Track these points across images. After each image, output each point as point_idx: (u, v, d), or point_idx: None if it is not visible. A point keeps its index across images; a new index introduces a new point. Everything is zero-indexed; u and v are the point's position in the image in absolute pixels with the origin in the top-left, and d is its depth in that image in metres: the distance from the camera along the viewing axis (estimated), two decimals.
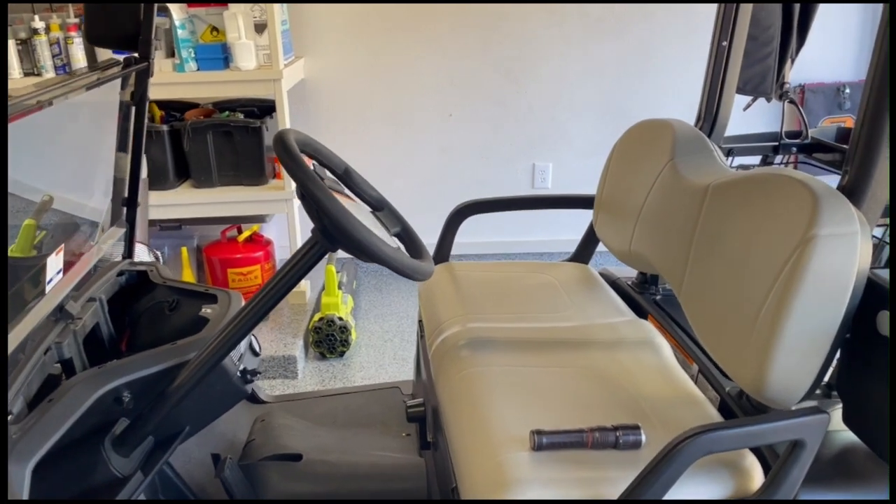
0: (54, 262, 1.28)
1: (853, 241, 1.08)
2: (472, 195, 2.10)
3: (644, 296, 1.85)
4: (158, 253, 2.64)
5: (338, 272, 2.98)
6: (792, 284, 1.09)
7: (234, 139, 2.85)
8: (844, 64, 3.47)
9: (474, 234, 3.37)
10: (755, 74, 2.11)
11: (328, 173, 1.29)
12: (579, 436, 1.18)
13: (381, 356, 2.88)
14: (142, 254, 1.92)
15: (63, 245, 1.32)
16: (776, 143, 2.34)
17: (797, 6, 2.02)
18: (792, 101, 2.17)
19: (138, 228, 1.71)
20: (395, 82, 3.40)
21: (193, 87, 2.84)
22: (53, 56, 2.76)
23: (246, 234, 3.05)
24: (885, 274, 1.13)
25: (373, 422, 1.88)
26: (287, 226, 2.97)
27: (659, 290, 1.87)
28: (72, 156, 1.62)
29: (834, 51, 3.43)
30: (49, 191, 1.47)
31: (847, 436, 1.25)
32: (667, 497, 1.06)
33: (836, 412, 1.23)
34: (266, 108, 3.02)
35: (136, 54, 1.49)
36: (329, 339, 2.80)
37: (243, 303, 1.37)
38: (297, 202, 2.91)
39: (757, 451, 1.21)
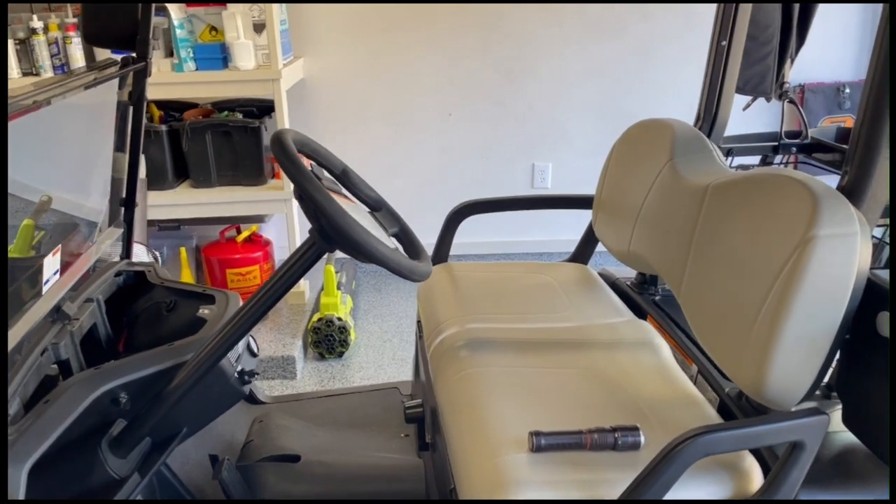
0: (51, 262, 1.28)
1: (853, 241, 1.08)
2: (472, 195, 2.10)
3: (643, 296, 1.85)
4: (157, 253, 2.64)
5: (337, 272, 2.98)
6: (791, 285, 1.09)
7: (233, 139, 2.85)
8: (844, 63, 3.47)
9: (474, 235, 3.37)
10: (755, 74, 2.11)
11: (326, 174, 1.29)
12: (578, 437, 1.18)
13: (381, 356, 2.87)
14: (140, 254, 1.92)
15: (60, 246, 1.31)
16: (776, 143, 2.33)
17: (797, 6, 2.02)
18: (791, 101, 2.17)
19: (136, 229, 1.71)
20: (395, 82, 3.40)
21: (192, 86, 2.83)
22: (52, 56, 2.76)
23: (245, 234, 3.05)
24: (884, 274, 1.12)
25: (371, 422, 1.88)
26: (286, 226, 2.97)
27: (658, 291, 1.87)
28: (71, 156, 1.62)
29: (834, 50, 3.42)
30: (48, 191, 1.47)
31: (847, 437, 1.24)
32: (665, 499, 1.06)
33: (836, 413, 1.22)
34: (265, 108, 3.01)
35: (133, 54, 1.48)
36: (328, 340, 2.80)
37: (241, 303, 1.36)
38: (296, 202, 2.91)
39: (756, 453, 1.21)
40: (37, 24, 2.70)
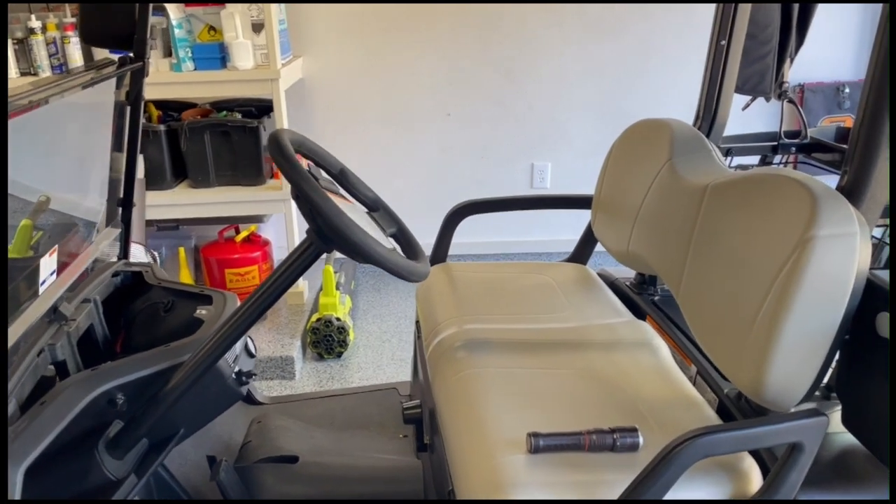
0: (48, 263, 1.27)
1: (852, 241, 1.08)
2: (471, 195, 2.09)
3: (642, 296, 1.84)
4: (156, 253, 2.64)
5: (336, 272, 2.97)
6: (790, 285, 1.08)
7: (232, 139, 2.84)
8: (844, 63, 3.46)
9: (473, 235, 3.37)
10: (754, 73, 2.11)
11: (323, 174, 1.29)
12: (576, 438, 1.18)
13: (379, 357, 2.87)
14: (139, 254, 1.92)
15: (56, 246, 1.31)
16: (775, 143, 2.33)
17: (796, 5, 2.01)
18: (791, 101, 2.17)
19: (135, 229, 1.71)
20: (394, 82, 3.39)
21: (191, 86, 2.83)
22: (50, 56, 2.75)
23: (243, 234, 3.05)
24: (884, 275, 1.12)
25: (370, 423, 1.87)
26: (285, 226, 2.97)
27: (657, 291, 1.86)
28: (70, 155, 1.61)
29: (833, 50, 3.42)
30: (46, 191, 1.46)
31: (846, 438, 1.24)
32: (664, 499, 1.05)
33: (835, 414, 1.22)
34: (264, 108, 3.01)
35: (131, 54, 1.48)
36: (327, 340, 2.80)
37: (238, 304, 1.36)
38: (294, 202, 2.90)
39: (755, 454, 1.20)
40: (35, 23, 2.69)
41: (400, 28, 3.29)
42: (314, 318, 2.81)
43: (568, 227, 3.13)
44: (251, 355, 1.52)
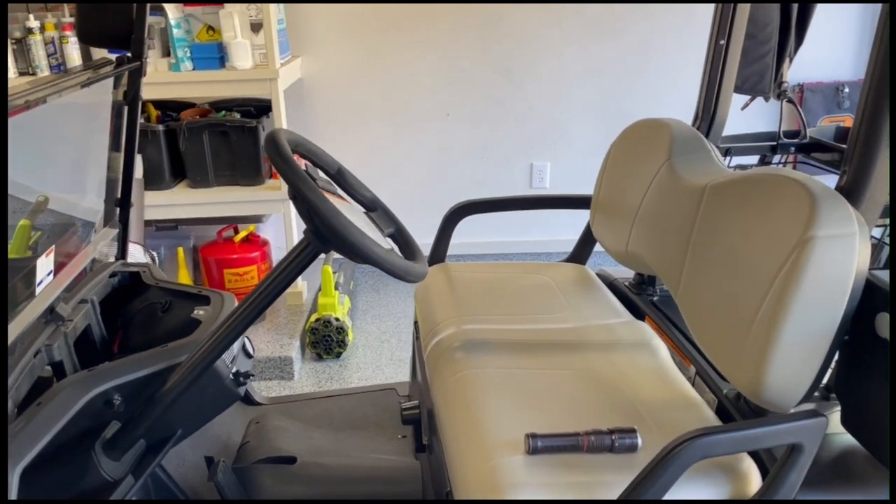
0: (44, 263, 1.27)
1: (851, 242, 1.07)
2: (470, 195, 2.09)
3: (641, 297, 1.84)
4: (154, 254, 2.63)
5: (335, 272, 2.97)
6: (789, 286, 1.08)
7: (231, 139, 2.84)
8: (843, 63, 3.46)
9: (472, 235, 3.36)
10: (753, 73, 2.10)
11: (321, 174, 1.28)
12: (575, 439, 1.17)
13: (378, 357, 2.86)
14: (137, 254, 1.91)
15: (53, 247, 1.30)
16: (774, 143, 2.33)
17: (795, 5, 2.01)
18: (790, 101, 2.16)
19: (133, 229, 1.70)
20: (393, 82, 3.39)
21: (189, 86, 2.82)
22: (48, 55, 2.75)
23: (242, 234, 3.04)
24: (883, 275, 1.11)
25: (368, 424, 1.87)
26: (283, 226, 2.96)
27: (656, 292, 1.86)
28: (68, 155, 1.61)
29: (833, 50, 3.42)
30: (44, 191, 1.46)
31: (845, 439, 1.23)
32: (664, 499, 1.05)
33: (835, 415, 1.22)
34: (262, 108, 3.01)
35: (128, 53, 1.48)
36: (325, 340, 2.79)
37: (236, 304, 1.36)
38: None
39: (755, 455, 1.20)
40: (33, 23, 2.69)
41: (399, 28, 3.29)
42: (313, 318, 2.81)
43: (567, 227, 3.13)
44: (249, 356, 1.52)
